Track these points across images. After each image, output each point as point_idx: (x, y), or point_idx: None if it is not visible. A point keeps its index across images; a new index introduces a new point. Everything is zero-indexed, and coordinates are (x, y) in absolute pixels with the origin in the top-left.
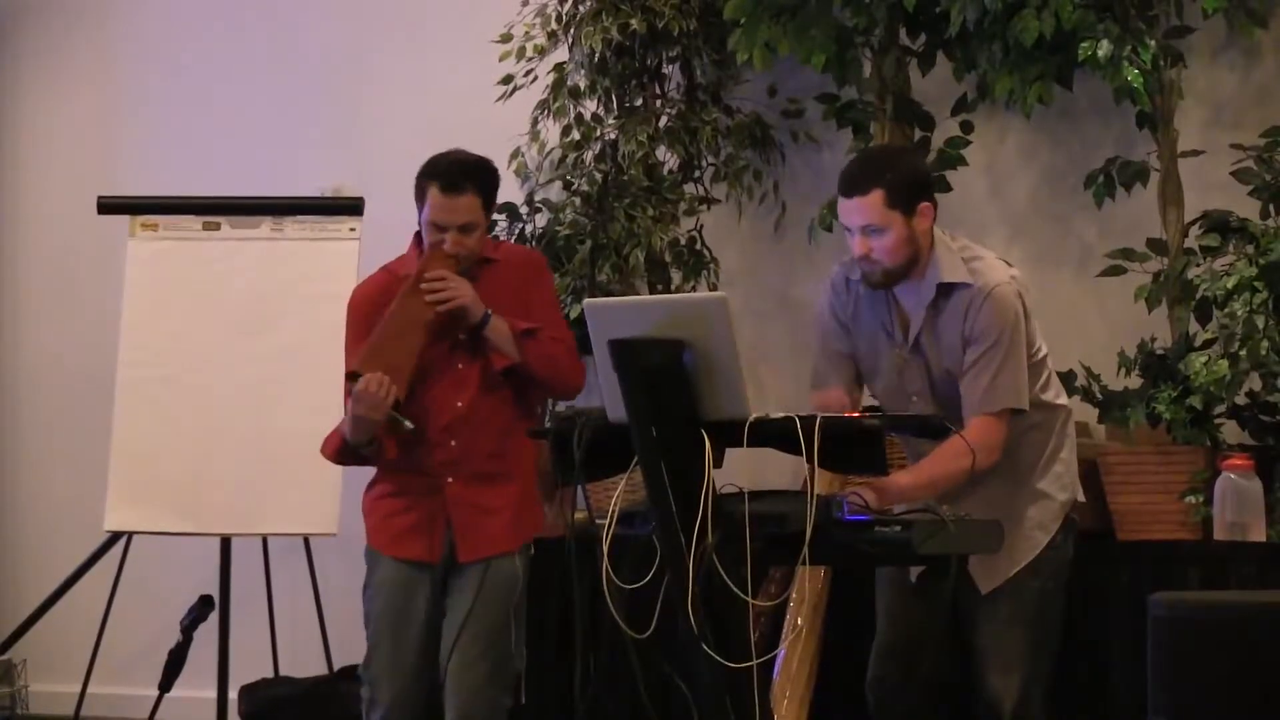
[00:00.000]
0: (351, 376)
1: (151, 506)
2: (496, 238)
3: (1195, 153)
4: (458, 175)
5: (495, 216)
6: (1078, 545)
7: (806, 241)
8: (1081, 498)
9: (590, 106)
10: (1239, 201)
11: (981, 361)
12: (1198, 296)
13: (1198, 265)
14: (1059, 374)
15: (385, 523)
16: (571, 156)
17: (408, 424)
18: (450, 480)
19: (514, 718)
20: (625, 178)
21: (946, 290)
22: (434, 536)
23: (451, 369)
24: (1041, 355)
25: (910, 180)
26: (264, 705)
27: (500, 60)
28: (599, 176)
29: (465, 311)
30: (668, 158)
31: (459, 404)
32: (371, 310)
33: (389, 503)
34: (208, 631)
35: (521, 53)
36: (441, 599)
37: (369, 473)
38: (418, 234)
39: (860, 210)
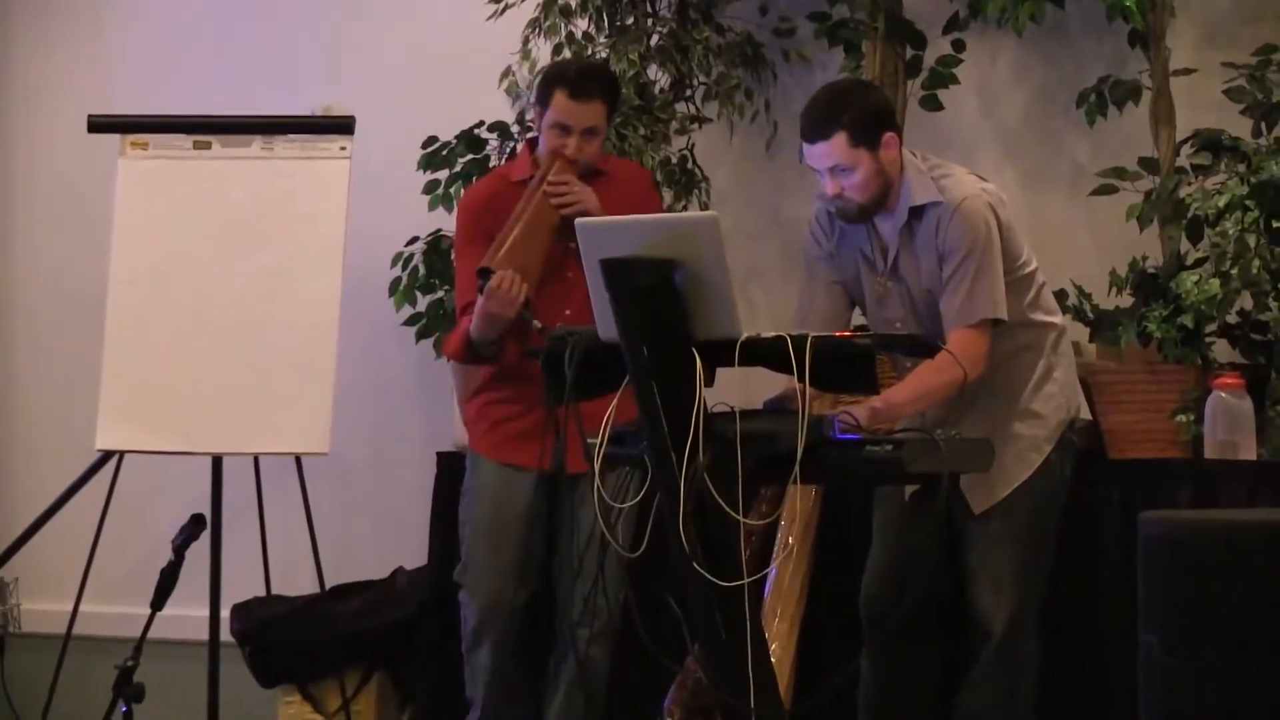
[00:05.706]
0: (483, 273)
1: (143, 426)
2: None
3: (1187, 71)
4: (588, 80)
5: (486, 135)
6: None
7: (798, 161)
8: (1087, 415)
9: (581, 25)
10: (1231, 120)
11: (957, 275)
12: (1189, 215)
13: (1189, 184)
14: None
15: (493, 428)
16: None
17: (536, 322)
18: None
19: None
20: None
21: (919, 212)
22: (545, 444)
23: (561, 277)
24: (1028, 270)
25: (870, 115)
26: (256, 624)
27: None
28: None
29: (589, 216)
30: (659, 76)
31: (567, 311)
32: (482, 212)
33: (499, 409)
34: (199, 550)
35: None
36: (548, 506)
37: (362, 393)
38: (530, 140)
39: (825, 154)
